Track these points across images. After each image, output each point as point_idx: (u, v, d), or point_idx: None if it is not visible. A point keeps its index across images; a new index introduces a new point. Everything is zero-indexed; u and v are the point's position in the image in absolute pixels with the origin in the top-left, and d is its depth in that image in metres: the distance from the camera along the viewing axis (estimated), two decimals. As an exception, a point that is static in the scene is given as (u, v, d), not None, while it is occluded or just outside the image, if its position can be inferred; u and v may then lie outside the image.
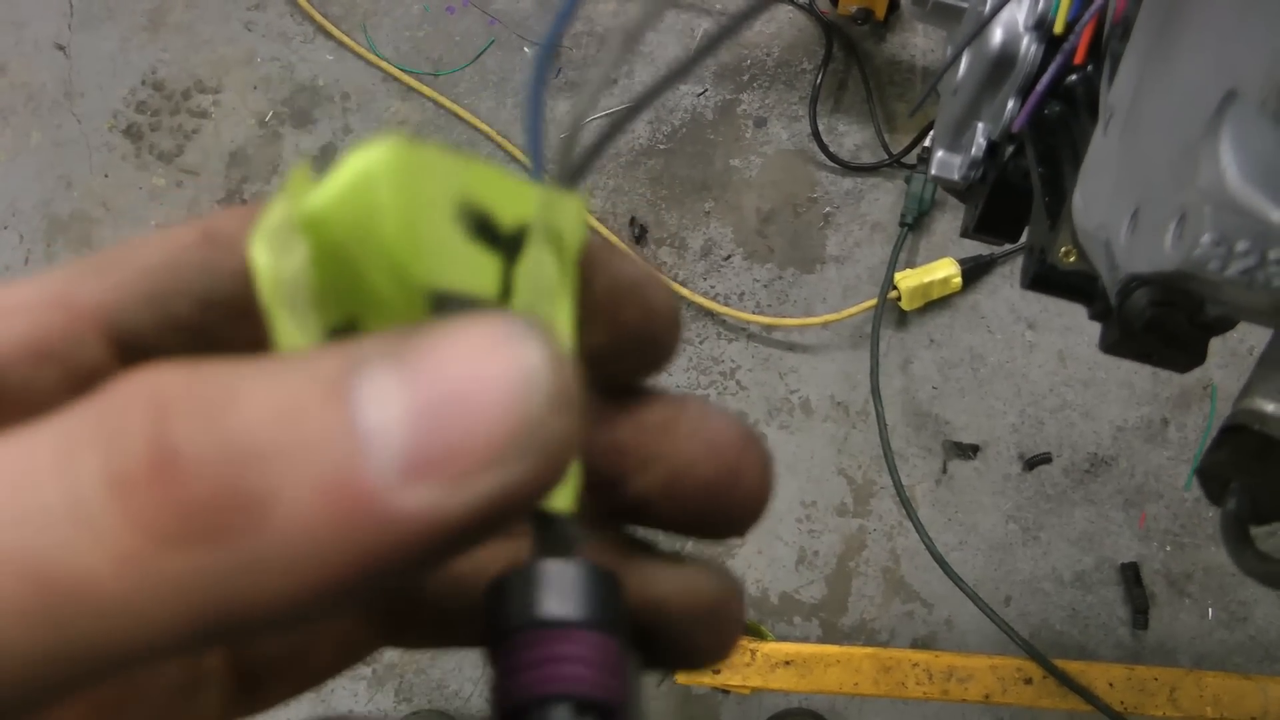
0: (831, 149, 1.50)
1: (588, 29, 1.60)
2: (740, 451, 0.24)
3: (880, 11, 1.51)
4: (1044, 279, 0.54)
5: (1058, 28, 0.50)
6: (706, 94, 1.56)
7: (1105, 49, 0.50)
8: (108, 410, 0.16)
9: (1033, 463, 1.43)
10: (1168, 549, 1.43)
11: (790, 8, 1.57)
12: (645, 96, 0.22)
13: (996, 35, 0.64)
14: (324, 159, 1.58)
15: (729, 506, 0.24)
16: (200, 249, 0.21)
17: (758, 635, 1.35)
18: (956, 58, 0.61)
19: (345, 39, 1.61)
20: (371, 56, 1.60)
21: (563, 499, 0.21)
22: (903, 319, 1.47)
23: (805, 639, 1.38)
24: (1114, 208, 0.43)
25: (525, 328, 0.17)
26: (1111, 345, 0.49)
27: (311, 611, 0.16)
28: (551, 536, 0.21)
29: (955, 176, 0.72)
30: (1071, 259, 0.52)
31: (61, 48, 1.67)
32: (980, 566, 1.41)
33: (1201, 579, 1.43)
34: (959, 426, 1.44)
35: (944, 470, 1.43)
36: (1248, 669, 1.41)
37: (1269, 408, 0.44)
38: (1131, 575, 1.41)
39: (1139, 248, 0.40)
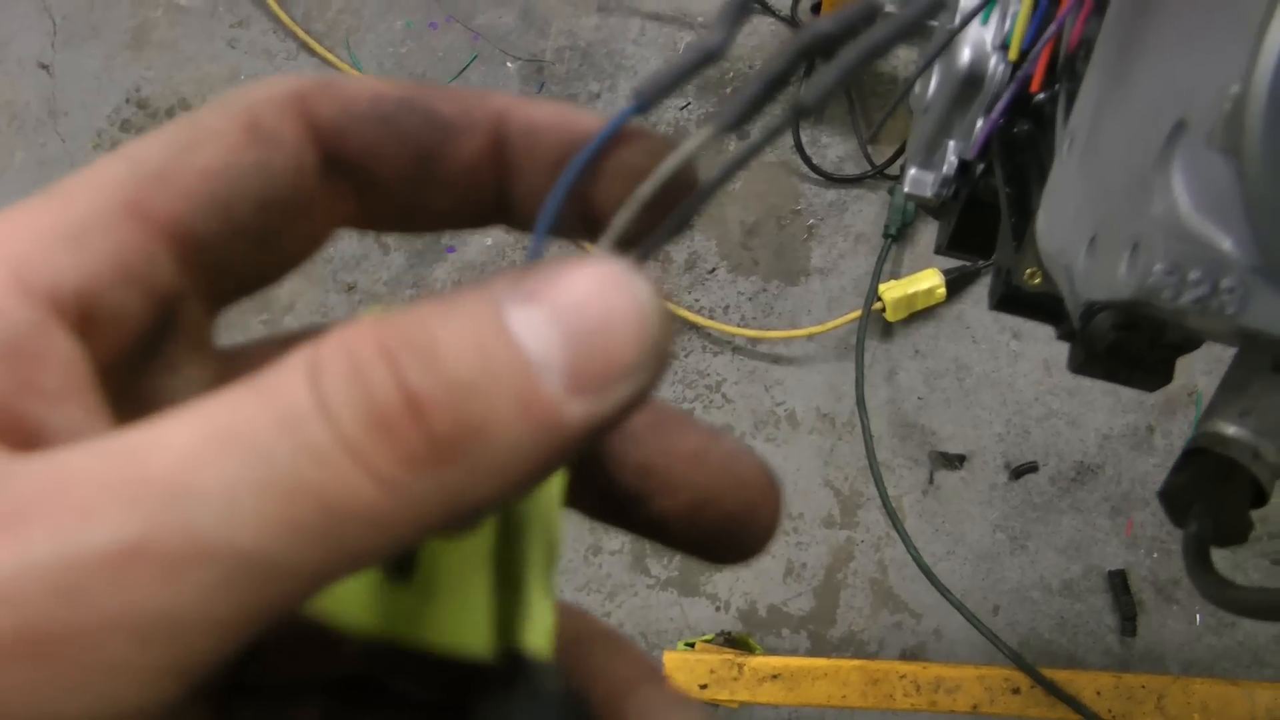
0: (815, 161, 1.51)
1: (570, 43, 1.60)
2: (762, 491, 0.26)
3: (862, 23, 1.51)
4: (1011, 300, 0.54)
5: (1012, 54, 0.50)
6: (689, 107, 1.56)
7: (1061, 75, 0.50)
8: (349, 358, 0.19)
9: (1019, 472, 1.44)
10: (1155, 556, 1.43)
11: (772, 20, 1.57)
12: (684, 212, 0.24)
13: (964, 55, 0.64)
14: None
15: (743, 538, 0.26)
16: (253, 150, 0.23)
17: (746, 648, 1.35)
18: (916, 78, 0.62)
19: (329, 56, 1.61)
20: (355, 73, 1.60)
21: (539, 636, 0.23)
22: (888, 330, 1.47)
23: (794, 651, 1.38)
24: (1073, 233, 0.44)
25: (630, 269, 0.20)
26: (1079, 366, 0.49)
27: (511, 500, 0.21)
28: (530, 683, 0.23)
29: (928, 194, 0.73)
30: (1037, 281, 0.52)
31: (45, 66, 1.67)
32: (968, 576, 1.41)
33: (1189, 585, 1.43)
34: (945, 437, 1.44)
35: (931, 480, 1.43)
36: (1236, 674, 1.41)
37: (1230, 430, 0.44)
38: (1119, 582, 1.42)
39: (1096, 275, 0.40)
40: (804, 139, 1.52)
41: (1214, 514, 0.43)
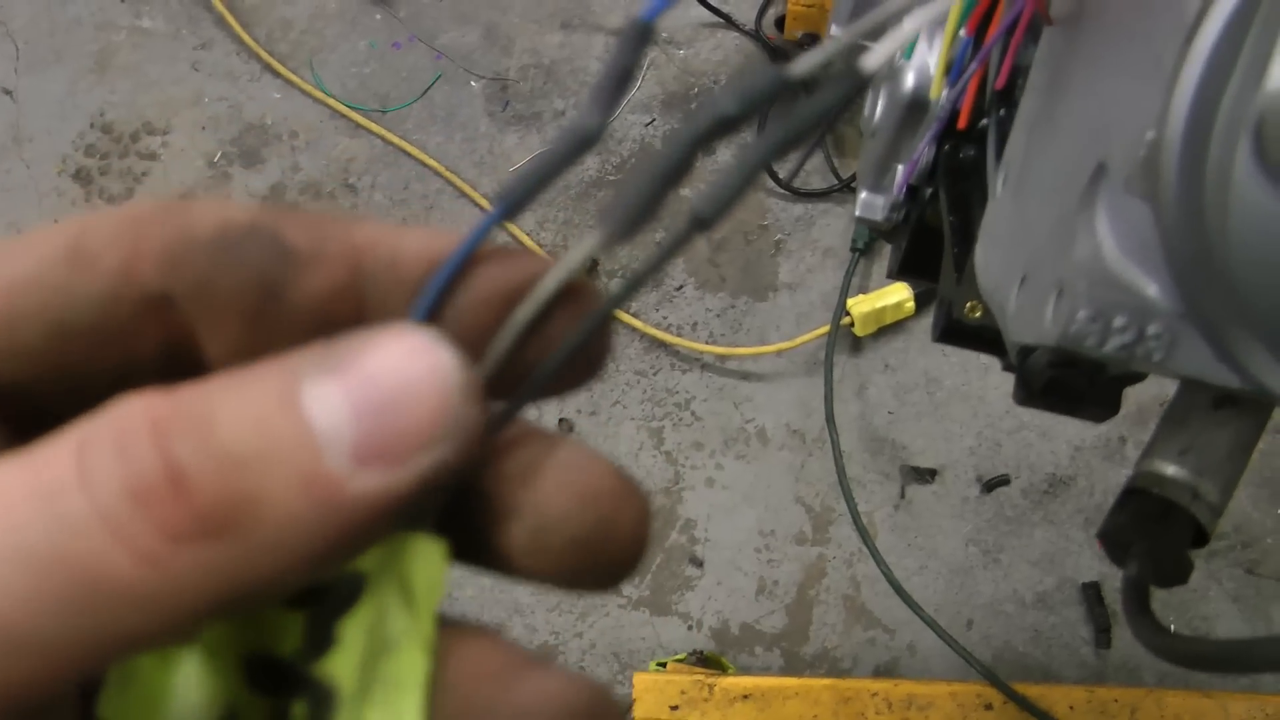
0: (781, 176, 1.50)
1: (534, 61, 1.59)
2: (615, 503, 0.23)
3: (826, 36, 1.51)
4: (952, 332, 0.53)
5: (934, 91, 0.50)
6: (654, 123, 1.55)
7: (991, 108, 0.50)
8: (115, 432, 0.18)
9: (991, 485, 1.43)
10: (1129, 566, 1.43)
11: (737, 33, 1.57)
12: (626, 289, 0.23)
13: (909, 80, 0.64)
14: (274, 196, 1.57)
15: (601, 563, 0.23)
16: (62, 271, 0.22)
17: (718, 667, 1.34)
18: (826, 119, 0.61)
19: (292, 77, 1.60)
20: (319, 94, 1.59)
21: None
22: (857, 345, 1.46)
23: (767, 669, 1.37)
24: (1005, 272, 0.43)
25: (433, 336, 0.20)
26: (1022, 401, 0.48)
27: (295, 583, 0.19)
28: None
29: (879, 218, 0.72)
30: (977, 314, 0.51)
31: (8, 92, 1.65)
32: (941, 591, 1.40)
33: (1163, 596, 1.43)
34: (916, 451, 1.44)
35: (902, 495, 1.42)
36: (1211, 685, 1.41)
37: (1169, 470, 0.43)
38: (1093, 595, 1.41)
39: (1025, 317, 0.39)
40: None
41: (1153, 555, 0.42)
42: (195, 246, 0.22)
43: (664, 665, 1.32)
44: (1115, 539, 0.43)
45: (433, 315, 0.23)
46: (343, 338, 0.20)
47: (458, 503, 0.23)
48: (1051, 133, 0.40)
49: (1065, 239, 0.36)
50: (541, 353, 0.23)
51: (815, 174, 1.52)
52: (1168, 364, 0.35)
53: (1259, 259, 0.29)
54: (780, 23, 1.52)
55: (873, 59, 0.23)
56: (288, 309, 0.22)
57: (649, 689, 1.22)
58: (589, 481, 0.23)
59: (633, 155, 1.54)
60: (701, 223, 0.23)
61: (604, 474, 0.23)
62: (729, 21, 1.55)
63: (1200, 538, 0.43)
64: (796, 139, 0.23)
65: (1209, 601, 1.44)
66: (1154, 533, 0.42)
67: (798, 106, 0.23)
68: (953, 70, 0.47)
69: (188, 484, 0.18)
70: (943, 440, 1.44)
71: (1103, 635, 1.40)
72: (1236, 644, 0.35)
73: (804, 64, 0.23)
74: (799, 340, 1.43)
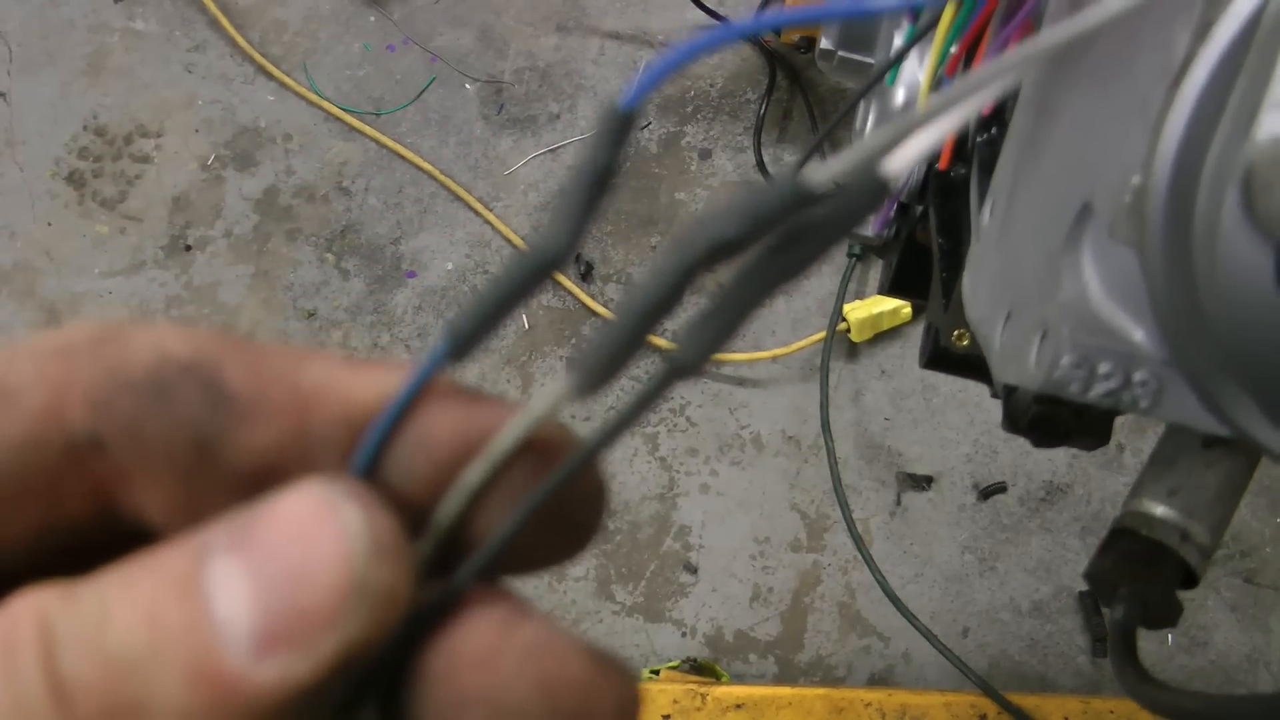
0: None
1: (529, 64, 1.58)
2: (586, 691, 0.20)
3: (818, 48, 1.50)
4: (939, 360, 0.52)
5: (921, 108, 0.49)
6: (650, 127, 1.54)
7: (971, 145, 0.49)
8: (4, 642, 0.17)
9: (988, 492, 1.42)
10: (1127, 573, 1.42)
11: (733, 38, 1.55)
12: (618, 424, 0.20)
13: (899, 95, 0.63)
14: (268, 200, 1.56)
15: None
16: None
17: (712, 675, 1.33)
18: (842, 117, 0.60)
19: (286, 79, 1.59)
20: (313, 96, 1.58)
21: None
22: (853, 351, 1.45)
23: (761, 677, 1.37)
24: (991, 306, 0.42)
25: (340, 492, 0.18)
26: (1011, 430, 0.47)
27: None
28: None
29: (870, 232, 0.71)
30: (965, 343, 0.50)
31: (1, 94, 1.64)
32: (937, 598, 1.39)
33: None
34: (912, 458, 1.43)
35: (898, 502, 1.41)
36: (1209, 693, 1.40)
37: (1158, 510, 0.42)
38: (1090, 603, 1.40)
39: (1008, 357, 0.38)
40: (766, 157, 1.50)
41: (1141, 598, 0.41)
42: (126, 388, 0.20)
43: (657, 673, 1.31)
44: (1102, 581, 0.42)
45: (370, 470, 0.20)
46: (258, 501, 0.19)
47: (398, 685, 0.20)
48: (1037, 167, 0.39)
49: (1051, 279, 0.35)
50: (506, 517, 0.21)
51: (812, 178, 1.51)
52: (1155, 411, 0.34)
53: (1246, 312, 0.28)
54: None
55: (895, 163, 0.20)
56: (224, 464, 0.20)
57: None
58: (554, 669, 0.20)
59: (628, 159, 1.53)
60: (682, 370, 0.20)
61: (572, 659, 0.20)
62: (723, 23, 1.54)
63: (1189, 579, 0.42)
64: (805, 264, 0.20)
65: (1207, 611, 1.44)
66: (1142, 575, 0.41)
67: (805, 218, 0.19)
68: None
69: (69, 700, 0.17)
70: (939, 447, 1.43)
71: (1099, 644, 1.39)
72: (1221, 700, 0.34)
73: (822, 174, 0.19)
74: (795, 346, 1.42)
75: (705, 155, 1.53)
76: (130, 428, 0.20)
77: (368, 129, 1.56)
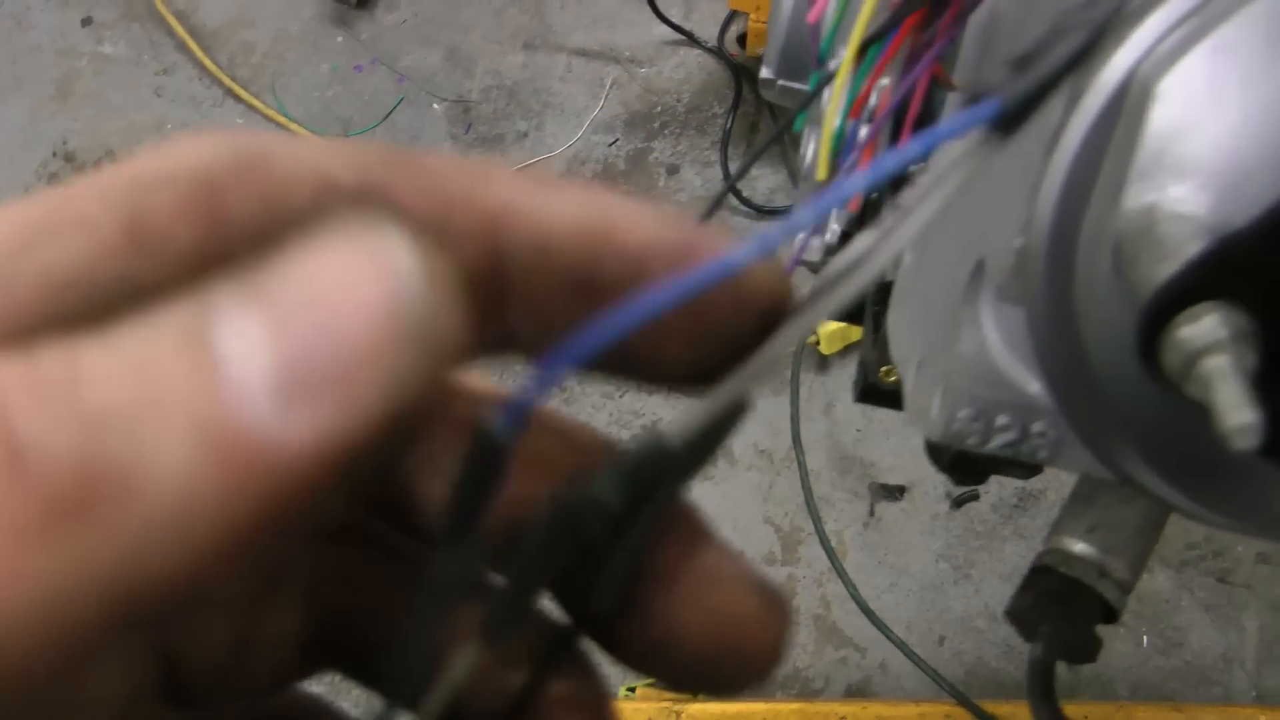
0: (745, 194, 1.50)
1: (497, 82, 1.59)
2: (750, 628, 0.20)
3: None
4: (871, 394, 0.53)
5: (820, 173, 0.49)
6: (618, 143, 1.55)
7: (883, 193, 0.49)
8: None
9: (961, 500, 1.43)
10: (1102, 578, 1.43)
11: (699, 51, 1.56)
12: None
13: (834, 123, 0.63)
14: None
15: (721, 680, 0.21)
16: (123, 254, 0.16)
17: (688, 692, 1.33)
18: (763, 151, 0.60)
19: (254, 101, 1.60)
20: (281, 118, 1.59)
21: None
22: (824, 363, 1.46)
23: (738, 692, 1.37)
24: (908, 350, 0.42)
25: (382, 223, 0.14)
26: (938, 469, 0.48)
27: (216, 577, 0.14)
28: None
29: (816, 259, 0.71)
30: (892, 378, 0.51)
31: (-31, 121, 1.65)
32: (913, 608, 1.40)
33: (1135, 606, 1.43)
34: (885, 468, 1.43)
35: (871, 513, 1.42)
36: (1185, 695, 1.41)
37: (1076, 547, 0.43)
38: (1066, 607, 1.41)
39: (916, 404, 0.39)
40: (733, 172, 1.51)
41: (1060, 635, 0.42)
42: (285, 221, 0.17)
43: (633, 690, 1.31)
44: (1022, 619, 0.42)
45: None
46: (277, 255, 0.15)
47: (597, 576, 0.19)
48: (943, 218, 0.40)
49: (951, 332, 0.35)
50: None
51: (780, 191, 1.52)
52: (1054, 462, 0.35)
53: (1122, 372, 0.29)
54: (742, 40, 1.51)
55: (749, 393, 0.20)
56: None
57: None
58: (727, 601, 0.20)
59: (597, 176, 1.54)
60: (598, 616, 0.20)
61: (745, 593, 0.20)
62: (691, 39, 1.55)
63: (1109, 614, 0.43)
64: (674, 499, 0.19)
65: (1181, 611, 1.44)
66: (1060, 613, 0.41)
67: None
68: (841, 155, 0.47)
69: (25, 466, 0.13)
70: (911, 457, 1.44)
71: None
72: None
73: (688, 422, 0.19)
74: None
75: (673, 171, 1.54)
76: None
77: (337, 150, 1.56)
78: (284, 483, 0.14)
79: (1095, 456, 0.33)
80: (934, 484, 1.43)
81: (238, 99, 1.61)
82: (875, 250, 0.17)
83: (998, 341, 0.34)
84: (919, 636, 1.35)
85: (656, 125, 1.55)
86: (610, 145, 1.55)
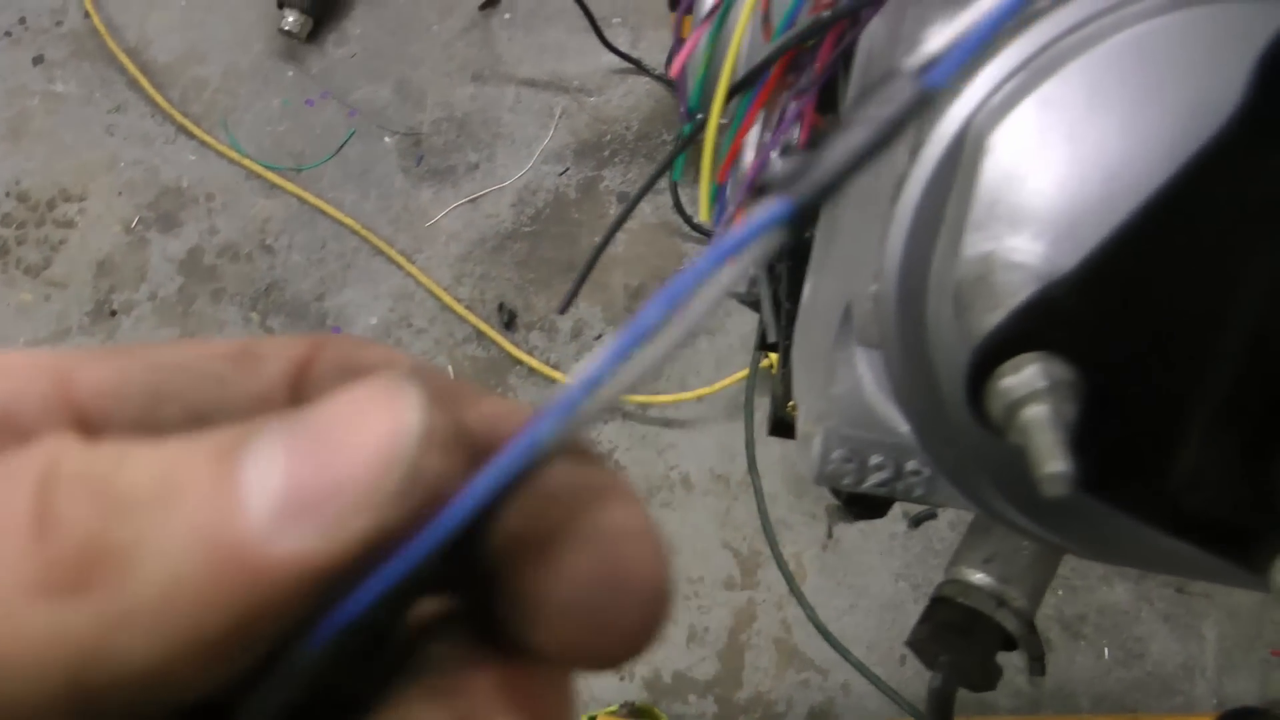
0: (695, 220, 1.50)
1: (447, 115, 1.59)
2: (630, 561, 0.20)
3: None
4: (780, 427, 0.53)
5: (702, 215, 0.50)
6: (568, 172, 1.55)
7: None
8: (5, 472, 0.16)
9: (918, 519, 1.43)
10: (1059, 593, 1.43)
11: (647, 79, 1.57)
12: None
13: (748, 158, 0.64)
14: (191, 260, 1.56)
15: (614, 627, 0.20)
16: (229, 361, 0.20)
17: (651, 718, 1.33)
18: (644, 191, 0.61)
19: (207, 138, 1.60)
20: (234, 154, 1.59)
21: None
22: (778, 385, 1.46)
23: (701, 717, 1.37)
24: (801, 386, 0.43)
25: (401, 380, 0.17)
26: (840, 502, 0.48)
27: (185, 669, 0.15)
28: None
29: (740, 290, 0.72)
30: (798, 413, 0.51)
31: (-80, 163, 1.64)
32: (873, 628, 1.40)
33: (1095, 619, 1.44)
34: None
35: (829, 535, 1.42)
36: (1148, 705, 1.42)
37: (975, 578, 0.43)
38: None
39: (801, 444, 0.39)
40: (683, 198, 1.52)
41: (959, 664, 0.42)
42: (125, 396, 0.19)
43: (594, 719, 1.31)
44: (922, 649, 0.43)
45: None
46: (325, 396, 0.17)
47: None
48: (825, 260, 0.40)
49: (827, 374, 0.36)
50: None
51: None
52: (929, 499, 0.35)
53: (967, 413, 0.29)
54: (690, 66, 1.53)
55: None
56: None
57: (577, 746, 1.22)
58: (621, 561, 0.20)
59: (548, 206, 1.54)
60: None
61: (643, 549, 0.20)
62: (639, 67, 1.55)
63: (1009, 643, 0.43)
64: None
65: (1141, 623, 1.45)
66: (958, 643, 0.42)
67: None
68: (715, 207, 0.47)
69: (53, 528, 0.15)
70: (867, 477, 1.44)
71: (1036, 663, 1.40)
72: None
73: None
74: (719, 385, 1.43)
75: (624, 198, 1.54)
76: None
77: (289, 185, 1.56)
78: (262, 589, 0.15)
79: (961, 493, 0.33)
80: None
81: (190, 135, 1.61)
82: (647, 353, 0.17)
83: (870, 383, 0.35)
84: (880, 657, 1.36)
85: (606, 154, 1.56)
86: (561, 174, 1.55)
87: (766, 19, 0.42)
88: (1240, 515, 0.24)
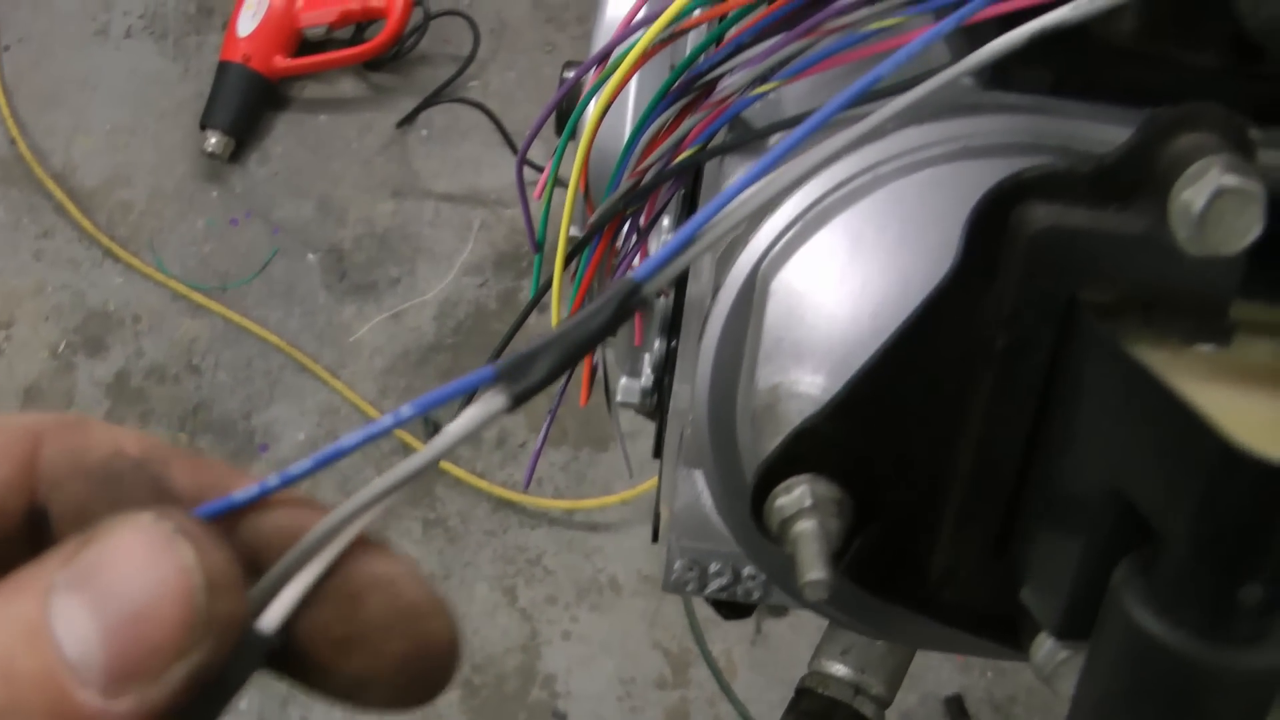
0: (615, 325, 1.54)
1: (368, 230, 1.63)
2: (424, 615, 0.23)
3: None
4: (660, 535, 0.56)
5: (555, 319, 0.53)
6: (488, 284, 1.59)
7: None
8: None
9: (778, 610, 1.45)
10: (989, 675, 1.45)
11: (562, 189, 1.61)
12: None
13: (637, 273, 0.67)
14: (118, 384, 1.57)
15: (417, 668, 0.23)
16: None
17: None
18: (534, 304, 0.64)
19: (133, 260, 1.62)
20: (160, 276, 1.61)
21: None
22: (701, 484, 1.49)
23: (637, 820, 1.37)
24: (664, 498, 0.46)
25: (173, 529, 0.20)
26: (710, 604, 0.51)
27: None
28: None
29: (635, 401, 0.75)
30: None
31: None
32: (804, 721, 1.41)
33: (1025, 700, 1.46)
34: (767, 583, 1.46)
35: (758, 630, 1.44)
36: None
37: (834, 669, 0.46)
38: (956, 707, 1.43)
39: (663, 552, 0.42)
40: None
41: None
42: (82, 473, 0.22)
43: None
44: (786, 744, 0.45)
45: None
46: (93, 534, 0.20)
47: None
48: (681, 380, 0.44)
49: (670, 488, 0.39)
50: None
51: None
52: (766, 600, 0.38)
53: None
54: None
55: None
56: None
57: None
58: (408, 598, 0.23)
59: (469, 317, 1.57)
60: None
61: (420, 588, 0.23)
62: (554, 178, 1.60)
63: (868, 731, 0.46)
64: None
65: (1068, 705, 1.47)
66: (818, 736, 0.45)
67: None
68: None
69: None
70: (792, 571, 1.47)
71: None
72: None
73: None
74: (643, 487, 1.46)
75: (544, 309, 1.57)
76: (79, 509, 0.22)
77: (215, 305, 1.58)
78: None
79: (786, 593, 0.36)
80: (817, 596, 1.46)
81: (116, 259, 1.63)
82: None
83: (706, 498, 0.38)
84: (812, 749, 1.37)
85: (524, 264, 1.60)
86: (480, 286, 1.59)
87: (587, 195, 0.45)
88: (991, 605, 0.28)
